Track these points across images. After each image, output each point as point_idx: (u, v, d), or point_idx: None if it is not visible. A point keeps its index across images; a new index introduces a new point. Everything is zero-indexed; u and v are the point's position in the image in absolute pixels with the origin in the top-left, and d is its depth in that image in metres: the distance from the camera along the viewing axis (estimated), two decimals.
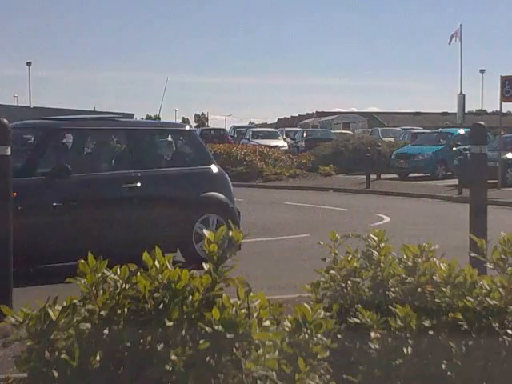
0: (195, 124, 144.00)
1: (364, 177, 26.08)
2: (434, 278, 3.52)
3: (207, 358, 2.69)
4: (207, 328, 2.70)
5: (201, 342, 2.69)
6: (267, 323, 2.80)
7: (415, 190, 23.97)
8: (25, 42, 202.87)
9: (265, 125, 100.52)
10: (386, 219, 16.51)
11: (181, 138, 12.35)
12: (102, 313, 2.80)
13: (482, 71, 76.66)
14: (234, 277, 2.87)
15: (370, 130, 56.53)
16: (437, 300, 3.43)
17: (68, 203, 9.65)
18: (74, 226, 9.67)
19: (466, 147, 21.65)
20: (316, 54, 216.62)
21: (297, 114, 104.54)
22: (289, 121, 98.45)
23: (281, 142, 42.67)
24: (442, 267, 3.55)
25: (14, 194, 6.99)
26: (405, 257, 3.70)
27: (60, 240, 9.49)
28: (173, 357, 2.69)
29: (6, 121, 6.92)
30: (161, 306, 2.80)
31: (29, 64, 79.26)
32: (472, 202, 7.24)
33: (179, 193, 10.54)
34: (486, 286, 3.41)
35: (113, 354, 2.73)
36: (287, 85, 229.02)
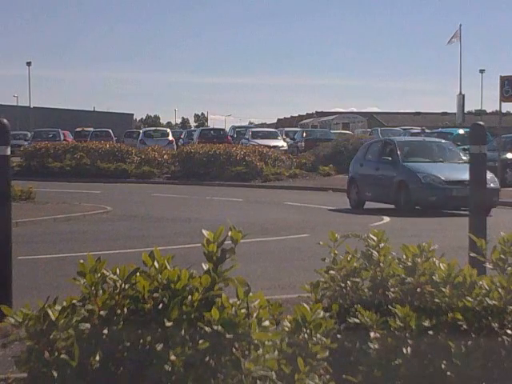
0: (195, 124, 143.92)
1: None
2: (434, 278, 3.52)
3: (207, 358, 2.69)
4: (206, 328, 2.70)
5: (200, 342, 2.69)
6: (267, 323, 2.80)
7: None
8: (25, 42, 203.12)
9: (264, 125, 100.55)
10: (386, 219, 16.50)
11: None
12: (101, 313, 2.80)
13: (482, 71, 76.63)
14: (234, 277, 2.87)
15: (369, 129, 56.55)
16: (436, 300, 3.43)
17: None
18: None
19: (466, 147, 21.62)
20: (316, 54, 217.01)
21: (296, 114, 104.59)
22: (288, 121, 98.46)
23: (280, 142, 42.62)
24: (442, 267, 3.55)
25: None
26: (404, 257, 3.70)
27: None
28: (172, 357, 2.69)
29: (5, 121, 6.93)
30: (160, 306, 2.80)
31: (29, 64, 79.33)
32: (472, 202, 7.23)
33: None
34: (486, 286, 3.42)
35: (112, 354, 2.73)
36: (287, 85, 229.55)
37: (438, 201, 17.61)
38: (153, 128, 59.75)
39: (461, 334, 3.26)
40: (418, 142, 21.47)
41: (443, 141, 22.43)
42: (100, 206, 18.80)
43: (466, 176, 18.39)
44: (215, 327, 2.69)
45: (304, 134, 46.99)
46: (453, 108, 63.30)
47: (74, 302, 2.82)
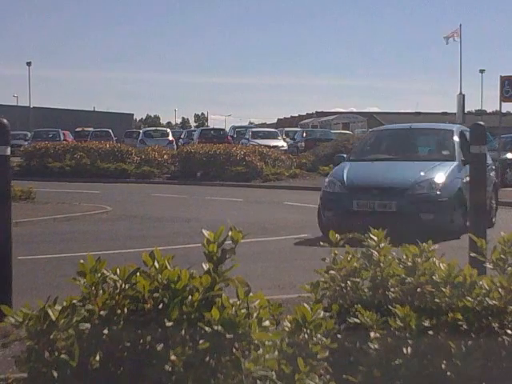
0: (195, 124, 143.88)
1: None
2: (434, 278, 3.52)
3: (207, 358, 2.69)
4: (207, 328, 2.69)
5: (200, 342, 2.69)
6: (267, 323, 2.80)
7: None
8: (25, 42, 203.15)
9: (264, 125, 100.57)
10: None
11: None
12: (101, 313, 2.80)
13: (482, 71, 76.64)
14: (234, 277, 2.87)
15: (369, 129, 56.53)
16: (436, 300, 3.43)
17: None
18: None
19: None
20: (316, 55, 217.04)
21: (296, 114, 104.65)
22: (288, 121, 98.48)
23: (280, 142, 42.61)
24: (442, 267, 3.55)
25: None
26: (404, 257, 3.70)
27: None
28: (172, 357, 2.68)
29: (5, 121, 6.93)
30: (160, 306, 2.80)
31: (29, 64, 79.31)
32: (472, 202, 7.23)
33: None
34: (486, 286, 3.41)
35: (112, 354, 2.73)
36: (287, 85, 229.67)
37: (335, 218, 12.16)
38: (153, 128, 59.79)
39: (461, 334, 3.25)
40: (396, 131, 15.48)
41: (447, 127, 15.25)
42: (100, 205, 18.79)
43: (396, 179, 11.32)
44: (215, 327, 2.69)
45: (304, 134, 46.98)
46: (453, 108, 63.21)
47: (74, 301, 2.82)
